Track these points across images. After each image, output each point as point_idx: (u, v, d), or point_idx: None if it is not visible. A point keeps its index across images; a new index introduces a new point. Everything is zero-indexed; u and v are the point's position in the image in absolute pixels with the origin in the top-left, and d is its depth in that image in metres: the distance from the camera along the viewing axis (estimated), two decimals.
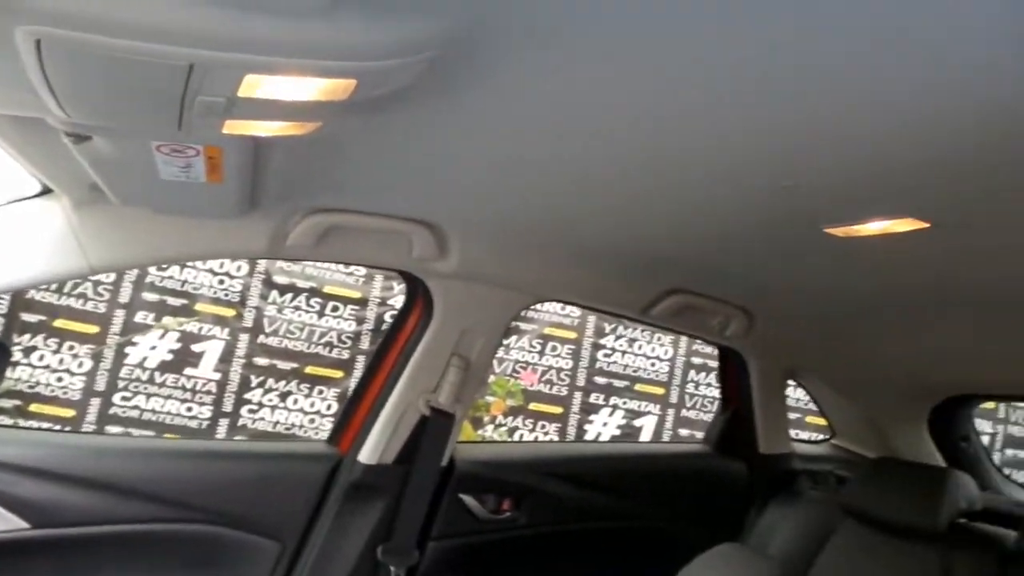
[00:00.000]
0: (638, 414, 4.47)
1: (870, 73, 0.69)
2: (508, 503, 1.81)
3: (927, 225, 1.10)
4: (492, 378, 4.02)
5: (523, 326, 4.26)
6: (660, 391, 4.54)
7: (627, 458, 2.08)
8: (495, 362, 4.18)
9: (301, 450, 1.79)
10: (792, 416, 3.45)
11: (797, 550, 1.87)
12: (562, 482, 1.88)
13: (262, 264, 3.63)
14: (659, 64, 0.71)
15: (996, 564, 1.58)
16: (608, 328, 4.38)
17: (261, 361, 3.65)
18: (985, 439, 5.78)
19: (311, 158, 1.03)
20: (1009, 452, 6.28)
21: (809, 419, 3.59)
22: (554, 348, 4.31)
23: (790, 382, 2.26)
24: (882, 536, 1.76)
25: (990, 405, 6.55)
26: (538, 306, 4.25)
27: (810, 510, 1.97)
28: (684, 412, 4.54)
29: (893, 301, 1.68)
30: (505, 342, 4.14)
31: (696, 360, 4.55)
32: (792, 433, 2.52)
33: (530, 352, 4.27)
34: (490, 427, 4.02)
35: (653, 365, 4.54)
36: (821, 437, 2.49)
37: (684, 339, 4.64)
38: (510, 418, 4.13)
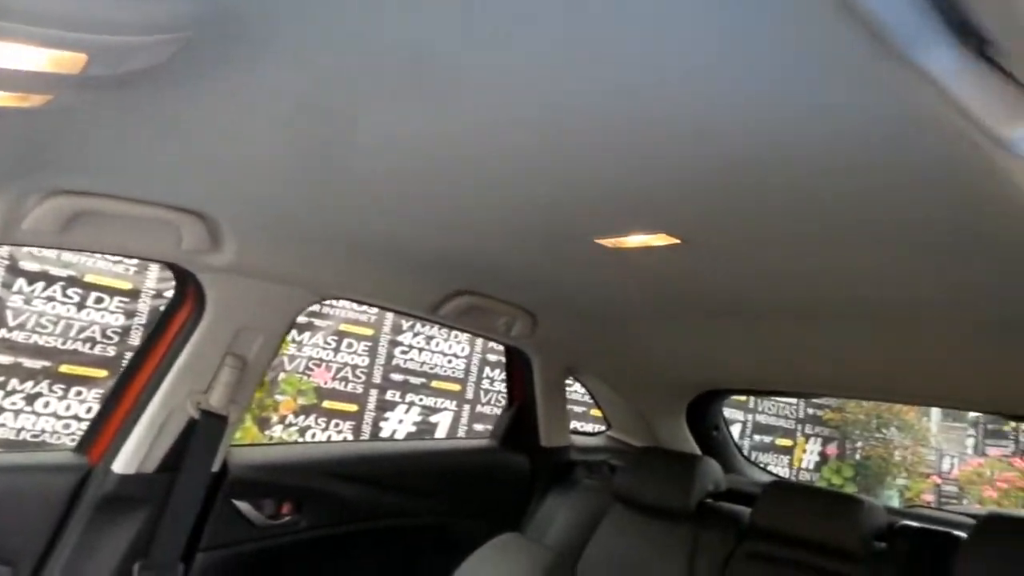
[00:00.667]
0: (434, 411, 4.52)
1: (626, 100, 0.75)
2: (288, 507, 1.74)
3: (678, 241, 1.23)
4: (283, 376, 3.85)
5: (317, 322, 4.12)
6: (456, 388, 4.62)
7: (412, 456, 2.09)
8: (286, 359, 4.00)
9: (43, 461, 1.58)
10: (580, 409, 3.68)
11: (571, 536, 2.00)
12: (345, 482, 1.84)
13: (4, 249, 3.17)
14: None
15: (735, 538, 1.80)
16: (406, 325, 4.37)
17: (2, 359, 3.19)
18: (737, 427, 6.57)
19: (47, 134, 0.91)
20: (756, 437, 7.16)
21: (594, 412, 3.85)
22: (350, 345, 4.22)
23: (570, 379, 2.40)
24: (643, 517, 1.93)
25: (741, 398, 7.45)
26: (333, 302, 4.15)
27: (584, 498, 2.11)
28: (480, 408, 4.67)
29: (657, 307, 1.85)
30: (297, 338, 3.97)
31: (491, 357, 4.69)
32: (577, 425, 2.68)
33: (324, 349, 4.15)
34: (279, 427, 3.85)
35: (450, 362, 4.61)
36: (600, 429, 2.68)
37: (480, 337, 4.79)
38: (301, 417, 3.98)
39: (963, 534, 1.55)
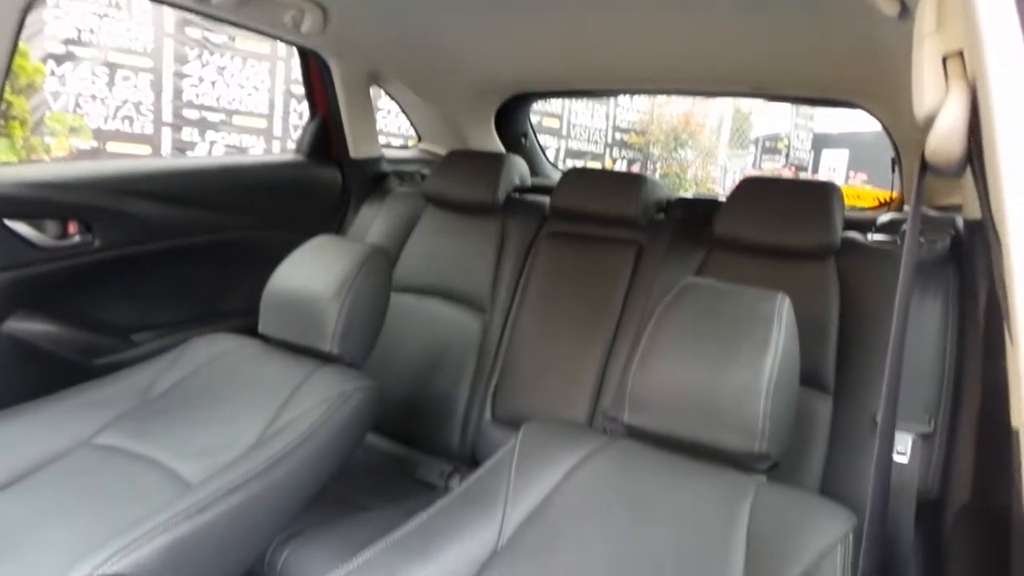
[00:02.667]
0: (241, 149, 4.26)
1: None
2: (75, 226, 1.62)
3: None
4: (48, 114, 3.38)
5: (78, 52, 3.56)
6: (262, 124, 4.34)
7: (216, 171, 1.97)
8: (49, 96, 3.49)
9: None
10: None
11: (388, 240, 2.07)
12: (142, 199, 1.72)
13: None
14: None
15: (538, 222, 1.95)
16: (192, 54, 3.91)
17: None
18: (551, 152, 6.86)
19: None
20: (569, 162, 7.55)
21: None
22: (126, 78, 3.74)
23: (374, 87, 2.31)
24: (455, 215, 2.03)
25: (554, 124, 7.68)
26: (96, 28, 3.55)
27: (398, 204, 2.16)
28: (290, 144, 4.46)
29: (458, 3, 1.77)
30: (57, 71, 3.43)
31: (298, 89, 4.39)
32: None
33: (94, 83, 3.65)
34: None
35: (251, 95, 4.26)
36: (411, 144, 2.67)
37: (281, 66, 4.38)
38: None
39: None
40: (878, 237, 1.67)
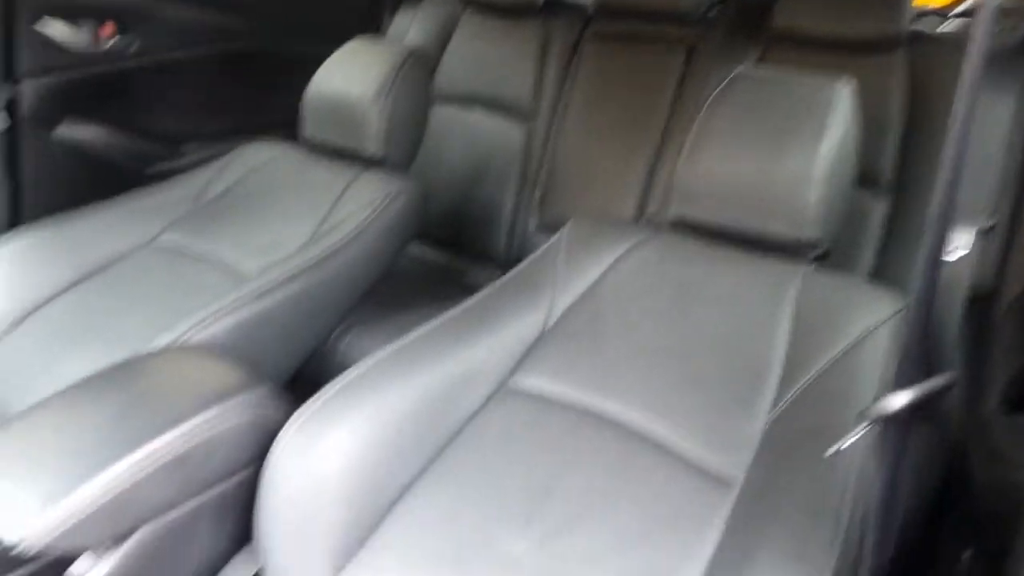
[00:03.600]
0: None
1: None
2: (112, 28, 1.59)
3: None
4: None
5: None
6: None
7: None
8: None
9: None
10: None
11: (427, 45, 1.99)
12: (176, 3, 1.68)
13: None
14: None
15: (582, 23, 1.84)
16: None
17: None
18: None
19: None
20: None
21: None
22: None
23: None
24: (494, 18, 1.93)
25: None
26: None
27: (435, 9, 2.05)
28: None
29: None
30: None
31: None
32: None
33: None
34: None
35: None
36: None
37: None
38: None
39: None
40: (950, 28, 1.55)
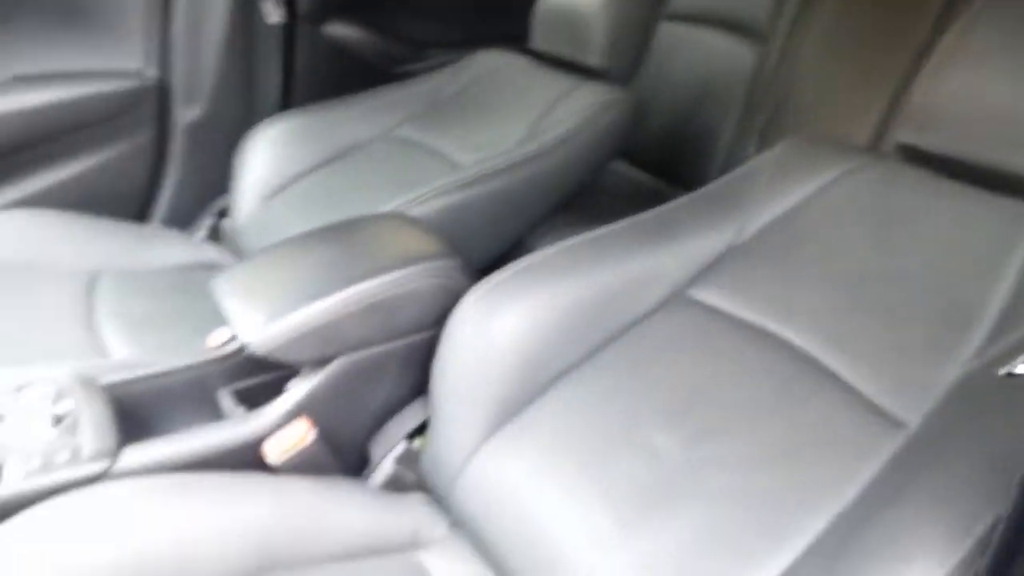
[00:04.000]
0: None
1: None
2: None
3: None
4: None
5: None
6: None
7: None
8: None
9: None
10: None
11: None
12: None
13: None
14: None
15: None
16: None
17: None
18: None
19: None
20: None
21: None
22: None
23: None
24: None
25: None
26: None
27: None
28: None
29: None
30: None
31: None
32: None
33: None
34: None
35: None
36: None
37: None
38: None
39: None
40: None
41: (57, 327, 1.08)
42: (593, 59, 1.47)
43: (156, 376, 0.94)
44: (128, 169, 1.60)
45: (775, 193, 1.04)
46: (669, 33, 1.82)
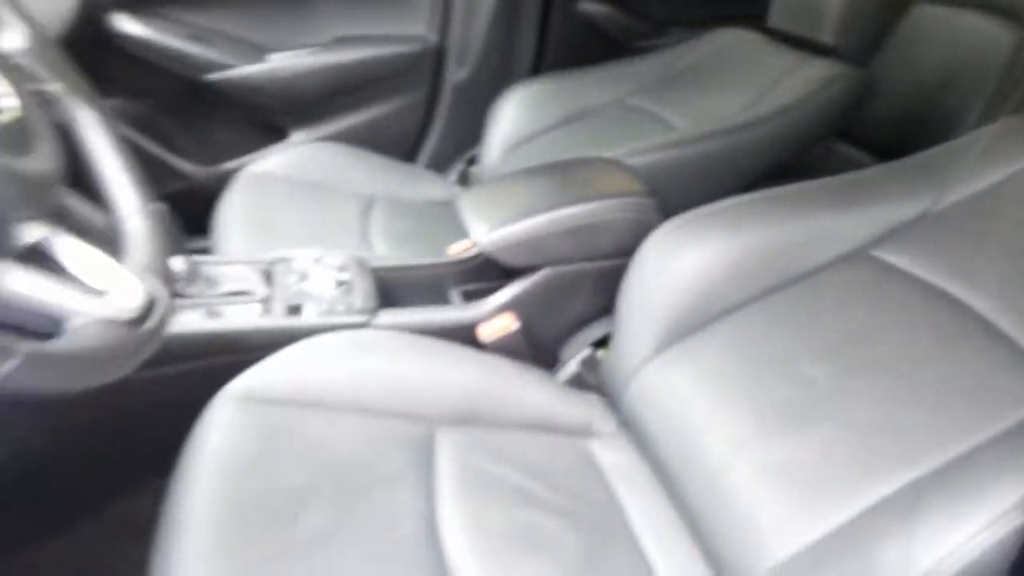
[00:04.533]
0: None
1: None
2: None
3: None
4: None
5: None
6: None
7: None
8: None
9: None
10: None
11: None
12: None
13: None
14: None
15: None
16: None
17: None
18: None
19: None
20: None
21: None
22: None
23: None
24: None
25: None
26: None
27: None
28: None
29: None
30: None
31: None
32: None
33: None
34: None
35: None
36: None
37: None
38: None
39: None
40: None
41: (344, 229, 1.41)
42: (826, 36, 1.51)
43: (406, 267, 1.22)
44: (404, 118, 1.94)
45: (982, 168, 1.05)
46: (922, 15, 1.76)
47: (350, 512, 0.82)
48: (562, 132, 1.71)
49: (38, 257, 0.52)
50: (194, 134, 1.80)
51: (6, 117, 0.60)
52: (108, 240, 0.63)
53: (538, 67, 2.00)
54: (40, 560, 1.06)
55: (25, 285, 0.49)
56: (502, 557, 0.83)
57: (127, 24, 1.65)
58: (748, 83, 1.60)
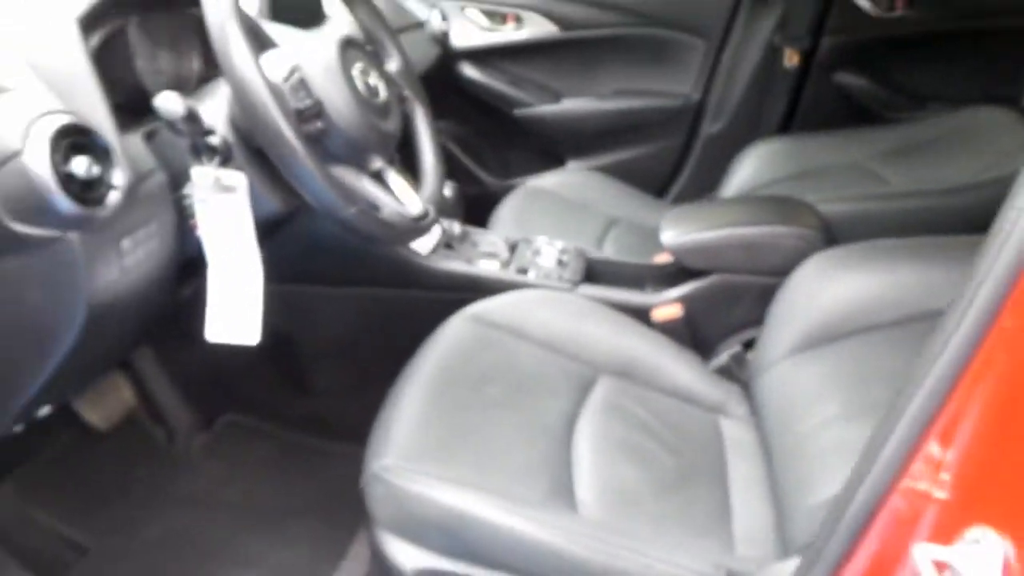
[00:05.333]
0: None
1: None
2: (902, 2, 2.06)
3: None
4: None
5: None
6: None
7: None
8: None
9: None
10: None
11: None
12: None
13: None
14: None
15: None
16: None
17: None
18: None
19: None
20: None
21: None
22: None
23: None
24: None
25: None
26: None
27: None
28: None
29: None
30: None
31: None
32: None
33: None
34: None
35: None
36: None
37: None
38: None
39: None
40: None
41: (584, 236, 1.79)
42: None
43: (612, 262, 1.58)
44: (660, 159, 2.31)
45: None
46: None
47: (518, 398, 1.19)
48: (791, 184, 1.92)
49: (378, 176, 1.03)
50: (496, 154, 2.36)
51: (380, 99, 1.13)
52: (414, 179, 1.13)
53: (787, 127, 2.22)
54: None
55: (367, 186, 0.99)
56: (610, 457, 1.14)
57: (468, 69, 2.26)
58: (981, 156, 1.67)
